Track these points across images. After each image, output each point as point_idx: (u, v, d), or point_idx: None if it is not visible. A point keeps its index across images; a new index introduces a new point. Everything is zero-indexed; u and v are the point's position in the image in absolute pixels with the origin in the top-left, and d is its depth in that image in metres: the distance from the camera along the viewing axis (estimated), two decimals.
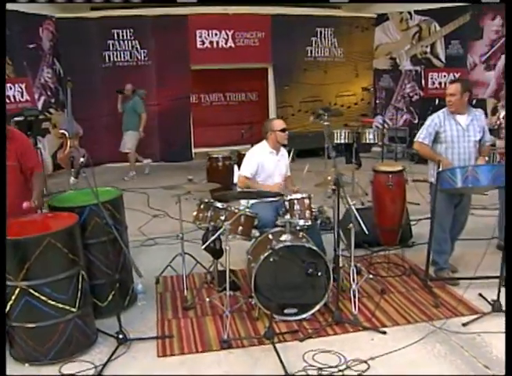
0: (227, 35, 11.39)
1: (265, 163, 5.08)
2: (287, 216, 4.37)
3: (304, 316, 4.21)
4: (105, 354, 3.86)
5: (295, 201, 4.47)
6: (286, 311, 4.20)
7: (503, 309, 4.30)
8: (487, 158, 5.02)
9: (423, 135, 4.92)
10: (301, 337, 4.01)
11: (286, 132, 5.12)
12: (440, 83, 11.56)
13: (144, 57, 11.08)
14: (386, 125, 11.68)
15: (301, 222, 4.44)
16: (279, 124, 5.14)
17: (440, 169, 4.57)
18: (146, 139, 10.80)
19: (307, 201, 4.49)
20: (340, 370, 3.57)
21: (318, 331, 4.07)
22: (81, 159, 3.90)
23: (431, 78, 11.72)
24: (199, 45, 11.27)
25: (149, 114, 11.16)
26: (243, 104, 12.88)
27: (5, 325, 3.71)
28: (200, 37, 11.26)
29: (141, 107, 9.76)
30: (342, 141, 7.95)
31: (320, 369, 3.58)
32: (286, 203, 4.47)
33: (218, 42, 11.37)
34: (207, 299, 4.50)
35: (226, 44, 11.42)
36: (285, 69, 11.81)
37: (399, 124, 11.93)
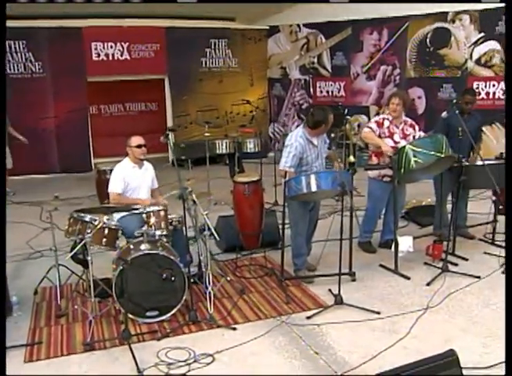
0: (122, 47, 11.63)
1: (129, 178, 5.44)
2: (145, 227, 4.77)
3: (164, 317, 4.62)
4: None
5: (151, 214, 4.88)
6: (148, 314, 4.60)
7: (344, 301, 4.91)
8: (339, 160, 5.63)
9: (288, 165, 5.28)
10: (158, 336, 4.42)
11: (143, 148, 5.45)
12: (327, 91, 12.33)
13: (39, 69, 11.12)
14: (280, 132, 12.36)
15: (158, 232, 4.84)
16: (135, 140, 5.48)
17: (286, 178, 5.08)
18: (44, 152, 10.88)
19: (162, 213, 4.91)
20: (187, 364, 4.01)
21: (175, 330, 4.49)
22: None
23: (319, 87, 12.46)
24: (94, 58, 11.43)
25: (47, 127, 11.29)
26: (143, 114, 13.18)
27: (5, 324, 3.87)
28: (96, 49, 11.43)
29: None
30: (224, 151, 8.45)
31: (170, 364, 4.01)
32: (144, 215, 4.88)
33: (113, 54, 11.59)
34: (76, 306, 4.84)
35: (122, 56, 11.66)
36: (181, 79, 12.18)
37: (292, 130, 12.56)
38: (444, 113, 5.95)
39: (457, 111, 5.76)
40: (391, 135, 5.94)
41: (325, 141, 5.59)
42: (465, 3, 9.75)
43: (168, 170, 9.91)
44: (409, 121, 6.16)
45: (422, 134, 6.14)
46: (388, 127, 5.95)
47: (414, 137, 6.03)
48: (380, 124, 5.96)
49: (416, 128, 6.14)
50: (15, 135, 9.44)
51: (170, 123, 12.37)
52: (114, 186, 5.44)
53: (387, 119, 5.98)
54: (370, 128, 5.98)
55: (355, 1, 10.54)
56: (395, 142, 5.90)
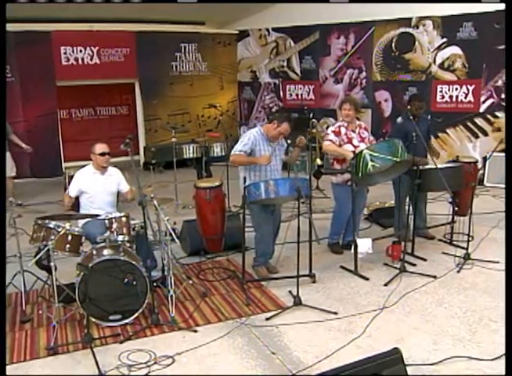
0: (92, 52, 11.66)
1: (88, 184, 5.57)
2: (107, 233, 4.89)
3: (127, 321, 4.74)
4: None
5: (113, 220, 4.99)
6: (111, 317, 4.71)
7: (303, 302, 5.07)
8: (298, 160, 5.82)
9: (239, 149, 5.52)
10: (121, 339, 4.53)
11: (106, 156, 5.57)
12: (297, 94, 12.53)
13: (7, 73, 11.09)
14: None
15: (120, 238, 4.96)
16: (99, 148, 5.58)
17: (246, 183, 5.25)
18: (14, 157, 10.87)
19: (124, 219, 5.03)
20: (148, 366, 4.13)
21: (137, 333, 4.61)
22: None
23: (289, 90, 12.65)
24: (64, 62, 11.44)
25: (17, 131, 11.24)
26: (113, 118, 13.21)
27: (5, 325, 3.92)
28: (65, 53, 11.43)
29: None
30: (191, 155, 8.60)
31: (130, 366, 4.13)
32: (106, 221, 4.99)
33: (83, 59, 11.61)
34: (40, 312, 4.94)
35: (92, 60, 11.69)
36: (151, 83, 12.26)
37: None
38: (399, 119, 6.15)
39: (411, 117, 5.97)
40: (349, 141, 6.13)
41: (282, 145, 5.76)
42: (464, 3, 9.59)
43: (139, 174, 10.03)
44: (363, 124, 6.41)
45: (372, 138, 6.38)
46: (346, 133, 6.14)
47: (369, 139, 6.24)
48: (337, 133, 6.15)
49: (369, 131, 6.41)
50: (18, 143, 9.41)
51: (141, 127, 12.46)
52: (69, 189, 5.63)
53: (343, 126, 6.18)
54: (330, 140, 6.16)
55: (355, 1, 10.53)
56: (355, 147, 6.10)
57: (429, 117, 6.80)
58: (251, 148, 5.55)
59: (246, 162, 5.55)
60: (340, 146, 6.14)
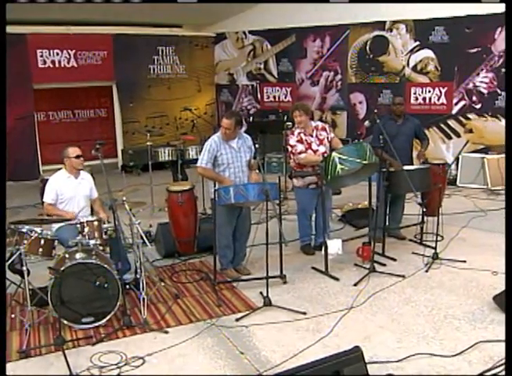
0: (69, 54, 11.67)
1: (62, 188, 5.62)
2: (79, 237, 4.96)
3: (99, 323, 4.81)
4: None
5: (85, 224, 5.07)
6: (83, 320, 4.78)
7: (272, 303, 5.17)
8: (257, 171, 5.93)
9: (205, 161, 5.70)
10: (93, 341, 4.61)
11: (81, 159, 5.66)
12: (274, 97, 12.65)
13: None
14: None
15: (92, 242, 5.04)
16: (73, 151, 5.67)
17: (216, 187, 5.36)
18: None
19: (96, 223, 5.11)
20: (118, 367, 4.21)
21: (109, 335, 4.69)
22: None
23: (266, 92, 12.77)
24: (40, 65, 11.43)
25: None
26: (92, 120, 13.17)
27: (5, 325, 3.94)
28: (41, 56, 11.43)
29: None
30: (166, 158, 8.69)
31: (101, 367, 4.21)
32: (78, 225, 5.06)
33: (60, 61, 11.61)
34: (13, 315, 4.99)
35: (69, 63, 11.69)
36: (129, 86, 12.32)
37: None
38: (366, 123, 6.32)
39: (378, 120, 6.11)
40: (309, 146, 6.28)
41: (250, 148, 5.92)
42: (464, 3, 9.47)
43: (116, 177, 10.12)
44: (320, 124, 6.52)
45: (332, 135, 6.49)
46: (305, 139, 6.27)
47: (328, 138, 6.38)
48: (301, 141, 6.30)
49: (327, 129, 6.49)
50: None
51: (119, 130, 12.50)
52: (46, 197, 5.65)
53: (301, 133, 6.32)
54: (301, 151, 6.27)
55: (355, 1, 10.54)
56: (314, 151, 6.27)
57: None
58: (214, 155, 5.73)
59: (213, 178, 5.67)
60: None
